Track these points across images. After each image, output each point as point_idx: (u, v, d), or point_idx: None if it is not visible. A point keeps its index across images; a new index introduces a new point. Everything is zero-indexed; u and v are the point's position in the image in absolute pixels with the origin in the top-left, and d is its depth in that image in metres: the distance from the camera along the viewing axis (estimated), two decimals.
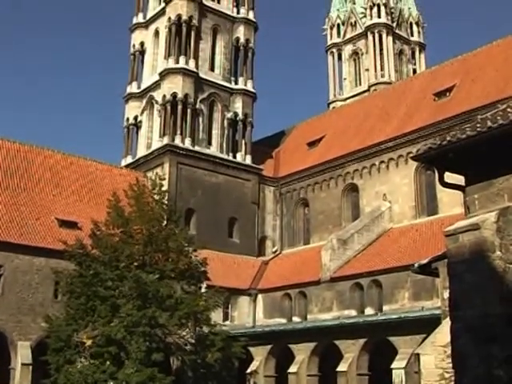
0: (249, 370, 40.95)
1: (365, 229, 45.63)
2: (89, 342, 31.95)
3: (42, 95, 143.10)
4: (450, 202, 39.32)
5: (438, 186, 12.64)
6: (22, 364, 37.46)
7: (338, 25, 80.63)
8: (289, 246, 53.82)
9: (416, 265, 18.25)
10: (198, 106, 52.96)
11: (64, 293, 35.99)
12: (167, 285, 33.77)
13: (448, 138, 11.10)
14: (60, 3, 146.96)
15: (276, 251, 53.91)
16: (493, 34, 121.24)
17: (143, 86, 56.88)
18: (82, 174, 48.19)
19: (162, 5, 56.65)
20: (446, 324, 12.12)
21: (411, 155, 14.10)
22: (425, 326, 26.19)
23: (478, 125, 10.86)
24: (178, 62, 52.95)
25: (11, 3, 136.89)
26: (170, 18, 54.37)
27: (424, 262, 17.66)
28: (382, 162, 48.03)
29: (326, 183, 51.81)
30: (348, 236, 44.93)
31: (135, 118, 56.39)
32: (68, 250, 34.47)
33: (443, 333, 15.27)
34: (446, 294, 12.74)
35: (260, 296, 48.31)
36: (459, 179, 11.99)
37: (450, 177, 11.98)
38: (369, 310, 40.54)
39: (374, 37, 75.48)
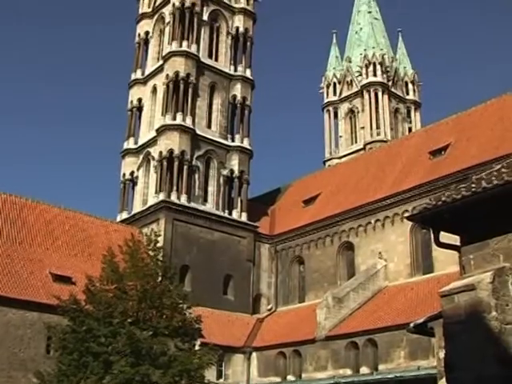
0: None
1: (360, 287, 45.46)
2: None
3: (39, 149, 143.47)
4: (445, 260, 39.16)
5: (434, 245, 12.65)
6: None
7: (335, 83, 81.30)
8: (284, 303, 53.55)
9: (412, 324, 18.10)
10: (194, 163, 53.15)
11: (56, 348, 35.41)
12: (161, 342, 33.38)
13: (443, 199, 11.14)
14: (58, 58, 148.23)
15: (271, 309, 53.61)
16: (487, 93, 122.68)
17: (140, 142, 57.13)
18: (77, 229, 48.06)
19: (161, 62, 57.24)
20: None
21: (406, 215, 14.15)
22: None
23: (473, 185, 10.91)
24: (175, 118, 53.30)
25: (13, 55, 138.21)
26: (167, 75, 54.88)
27: (420, 321, 17.52)
28: (378, 220, 48.07)
29: (321, 241, 51.78)
30: (343, 294, 44.74)
31: (131, 173, 56.53)
32: (61, 305, 34.15)
33: None
34: (442, 354, 12.64)
35: (254, 354, 47.89)
36: (455, 239, 11.98)
37: (446, 236, 11.97)
38: (364, 370, 40.17)
39: (369, 95, 76.06)
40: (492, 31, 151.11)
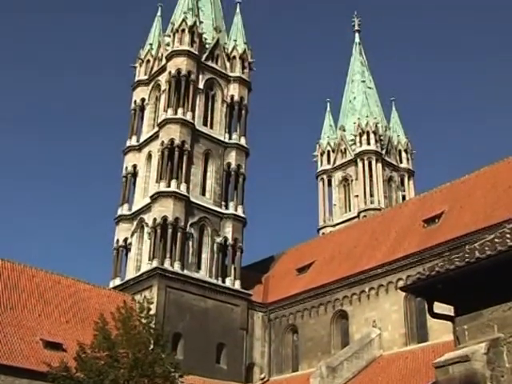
0: None
1: (354, 356, 45.00)
2: None
3: (31, 213, 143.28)
4: (440, 328, 38.87)
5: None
6: None
7: (328, 151, 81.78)
8: (277, 372, 52.92)
9: None
10: (188, 230, 53.10)
11: None
12: None
13: (436, 269, 11.13)
14: (53, 120, 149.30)
15: (264, 378, 52.97)
16: (480, 161, 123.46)
17: (134, 209, 57.11)
18: (69, 295, 47.70)
19: (156, 129, 57.64)
20: None
21: (400, 285, 14.13)
22: None
23: (467, 255, 10.91)
24: (169, 185, 53.44)
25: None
26: (163, 142, 55.21)
27: None
28: (372, 288, 47.88)
29: (315, 310, 51.47)
30: (337, 363, 44.24)
31: (125, 239, 56.37)
32: (51, 373, 33.79)
33: None
34: None
35: None
36: (449, 308, 11.93)
37: (440, 306, 11.92)
38: None
39: (363, 164, 76.45)
40: (485, 100, 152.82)
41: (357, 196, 76.15)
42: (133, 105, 61.87)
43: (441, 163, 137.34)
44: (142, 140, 59.79)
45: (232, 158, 57.86)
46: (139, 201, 57.22)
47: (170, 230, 51.94)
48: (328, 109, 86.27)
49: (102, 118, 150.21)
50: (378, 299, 47.31)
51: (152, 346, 36.03)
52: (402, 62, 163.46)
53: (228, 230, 55.40)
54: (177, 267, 51.19)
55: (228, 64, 61.41)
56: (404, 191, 79.09)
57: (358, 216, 73.62)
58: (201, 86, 58.77)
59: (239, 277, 54.57)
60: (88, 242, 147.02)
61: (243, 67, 61.76)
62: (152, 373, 34.80)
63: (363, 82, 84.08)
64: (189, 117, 56.22)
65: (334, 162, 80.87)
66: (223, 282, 53.81)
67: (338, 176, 79.88)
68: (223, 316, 52.26)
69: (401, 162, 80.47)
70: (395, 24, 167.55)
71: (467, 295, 11.35)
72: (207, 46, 60.99)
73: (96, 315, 38.18)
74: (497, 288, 10.92)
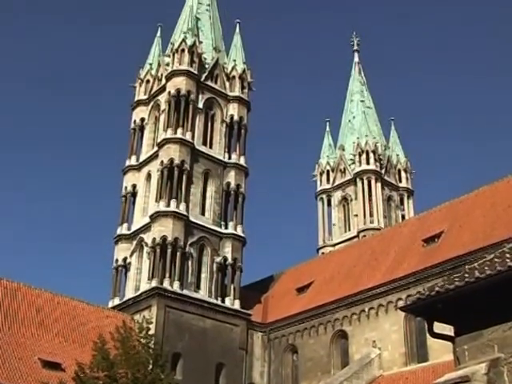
0: None
1: (354, 376, 44.83)
2: None
3: (30, 232, 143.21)
4: (440, 348, 38.61)
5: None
6: None
7: (328, 171, 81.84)
8: None
9: None
10: (187, 250, 52.97)
11: None
12: None
13: (436, 289, 11.10)
14: (53, 145, 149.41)
15: None
16: (479, 180, 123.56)
17: (133, 228, 57.03)
18: (67, 314, 47.53)
19: (155, 148, 57.67)
20: None
21: (400, 305, 14.10)
22: None
23: (466, 275, 10.89)
24: (168, 205, 53.40)
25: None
26: (162, 162, 55.23)
27: None
28: (372, 308, 47.76)
29: (314, 329, 51.31)
30: (337, 383, 44.13)
31: (124, 259, 56.25)
32: None
33: None
34: None
35: None
36: (449, 328, 11.90)
37: (440, 326, 11.89)
38: None
39: (362, 183, 76.50)
40: (484, 119, 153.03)
41: (356, 215, 76.13)
42: (132, 124, 61.94)
43: (440, 182, 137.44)
44: (141, 159, 59.81)
45: (231, 177, 57.87)
46: (138, 220, 57.18)
47: (169, 250, 51.83)
48: (327, 128, 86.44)
49: (102, 138, 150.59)
50: (378, 319, 47.19)
51: (151, 366, 35.92)
52: (401, 82, 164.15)
53: (227, 250, 55.30)
54: (176, 287, 51.07)
55: (227, 84, 61.57)
56: (403, 210, 79.09)
57: (357, 236, 73.56)
58: (200, 105, 58.91)
59: (238, 296, 54.42)
60: (87, 262, 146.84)
61: (242, 87, 61.93)
62: None
63: (362, 101, 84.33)
64: (188, 136, 56.29)
65: (334, 182, 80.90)
66: (222, 301, 53.67)
67: (337, 195, 79.90)
68: (222, 336, 52.08)
69: (400, 182, 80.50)
70: (394, 44, 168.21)
71: (467, 315, 11.32)
72: (207, 65, 61.16)
73: (95, 335, 38.12)
74: (497, 308, 10.90)
